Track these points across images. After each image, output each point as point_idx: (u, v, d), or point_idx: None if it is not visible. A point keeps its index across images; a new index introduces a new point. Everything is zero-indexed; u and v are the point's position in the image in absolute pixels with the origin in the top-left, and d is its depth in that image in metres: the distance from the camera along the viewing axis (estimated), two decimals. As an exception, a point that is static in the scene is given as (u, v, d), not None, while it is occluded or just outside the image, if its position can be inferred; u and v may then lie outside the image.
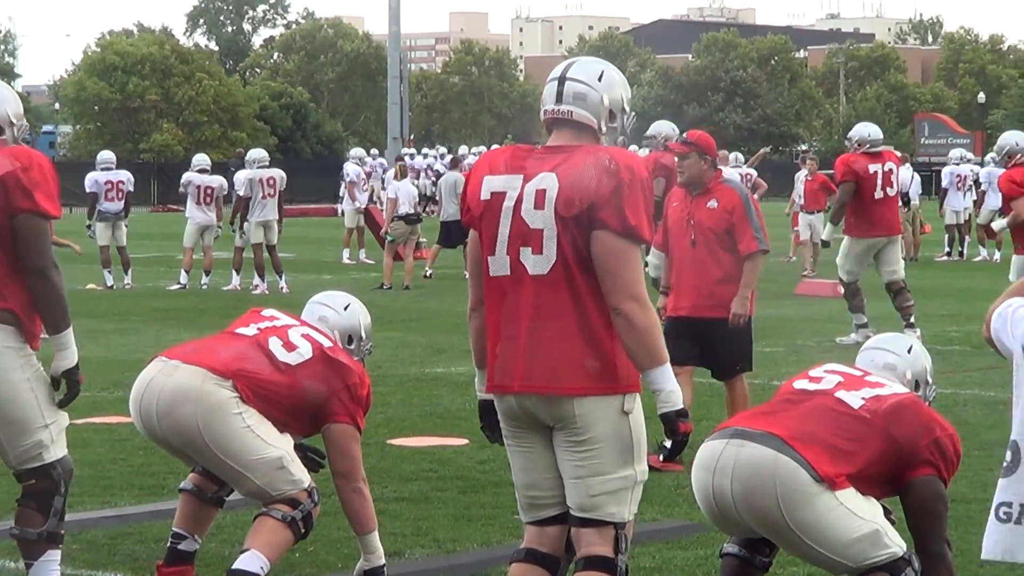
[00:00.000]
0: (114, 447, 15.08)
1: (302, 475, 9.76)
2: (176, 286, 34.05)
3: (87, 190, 34.29)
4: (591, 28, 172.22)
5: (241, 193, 32.95)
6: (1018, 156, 19.13)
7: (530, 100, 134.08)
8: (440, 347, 23.46)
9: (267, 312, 10.37)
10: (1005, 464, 5.53)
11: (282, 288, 31.66)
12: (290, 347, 9.87)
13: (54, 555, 9.59)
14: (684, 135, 15.38)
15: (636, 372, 7.93)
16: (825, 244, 22.80)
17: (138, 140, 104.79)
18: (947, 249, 44.03)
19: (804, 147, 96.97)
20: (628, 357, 7.90)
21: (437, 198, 36.03)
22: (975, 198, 44.13)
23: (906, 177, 45.06)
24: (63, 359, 9.33)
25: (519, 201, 8.00)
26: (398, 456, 15.13)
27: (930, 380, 9.25)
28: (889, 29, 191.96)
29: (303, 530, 9.69)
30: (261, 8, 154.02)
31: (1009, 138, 20.39)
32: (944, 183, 44.99)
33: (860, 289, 23.23)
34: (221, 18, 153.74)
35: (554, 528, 8.28)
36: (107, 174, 34.28)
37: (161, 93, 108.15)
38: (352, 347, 10.20)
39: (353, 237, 42.58)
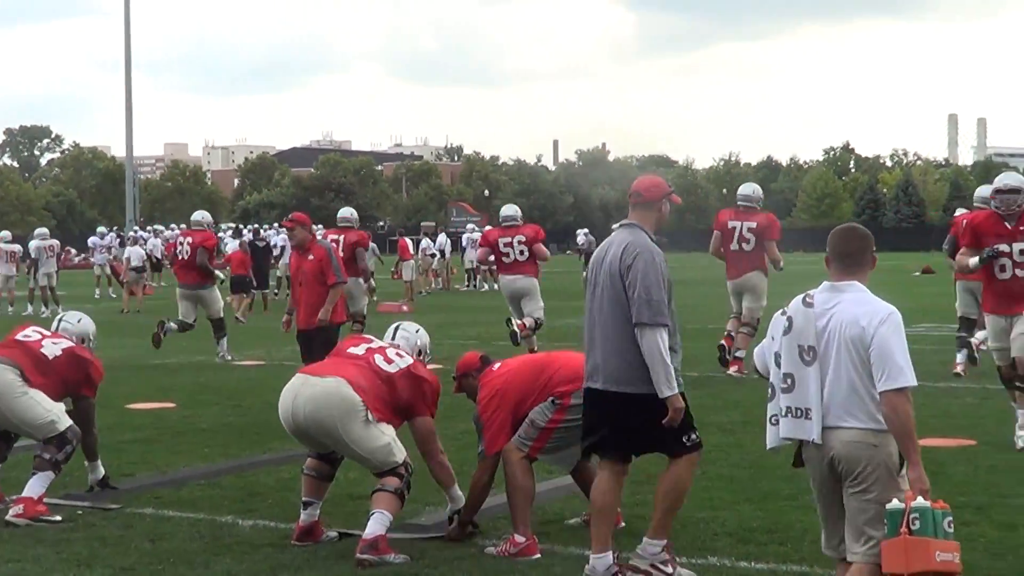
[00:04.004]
0: None
1: (402, 453, 8.45)
2: (-8, 313, 32.76)
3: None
4: (251, 152, 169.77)
5: (33, 255, 33.51)
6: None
7: (214, 197, 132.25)
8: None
9: (367, 336, 9.18)
10: (784, 386, 6.11)
11: (57, 312, 30.69)
12: (389, 361, 8.68)
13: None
14: (292, 215, 15.35)
15: None
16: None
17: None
18: (467, 284, 44.69)
19: (381, 223, 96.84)
20: None
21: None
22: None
23: (443, 240, 45.97)
24: None
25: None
26: (133, 415, 14.84)
27: None
28: (431, 152, 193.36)
29: (407, 494, 8.52)
30: (46, 141, 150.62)
31: None
32: (464, 243, 45.89)
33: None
34: (20, 147, 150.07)
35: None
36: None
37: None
38: (422, 357, 9.09)
39: (102, 280, 42.15)
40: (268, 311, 32.64)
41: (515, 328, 18.51)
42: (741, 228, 17.36)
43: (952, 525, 5.86)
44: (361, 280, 19.73)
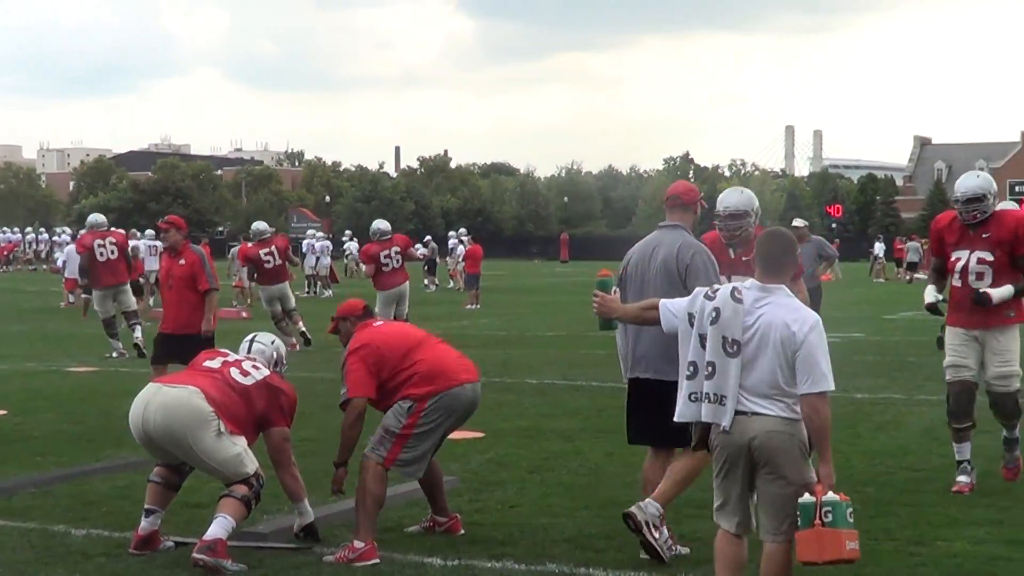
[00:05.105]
0: None
1: (253, 464, 8.46)
2: None
3: None
4: (88, 155, 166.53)
5: None
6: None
7: (49, 200, 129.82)
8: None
9: (223, 350, 9.09)
10: (706, 372, 6.48)
11: None
12: (245, 374, 8.69)
13: None
14: (167, 217, 15.07)
15: None
16: None
17: None
18: (307, 290, 44.49)
19: (221, 229, 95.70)
20: None
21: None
22: (318, 257, 45.13)
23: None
24: None
25: None
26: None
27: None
28: (272, 157, 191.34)
29: (255, 504, 8.50)
30: None
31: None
32: (304, 249, 45.53)
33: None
34: None
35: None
36: None
37: None
38: (278, 368, 9.08)
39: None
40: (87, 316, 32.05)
41: None
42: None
43: (852, 516, 6.32)
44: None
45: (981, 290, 10.14)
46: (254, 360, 8.98)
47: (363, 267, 25.05)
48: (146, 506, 8.66)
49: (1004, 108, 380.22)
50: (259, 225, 24.20)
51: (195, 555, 8.05)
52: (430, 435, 8.67)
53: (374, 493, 8.50)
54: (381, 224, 23.10)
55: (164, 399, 8.41)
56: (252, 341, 9.26)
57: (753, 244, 9.81)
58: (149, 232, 40.71)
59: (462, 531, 9.06)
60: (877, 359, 19.91)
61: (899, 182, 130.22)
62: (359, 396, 8.59)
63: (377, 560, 8.29)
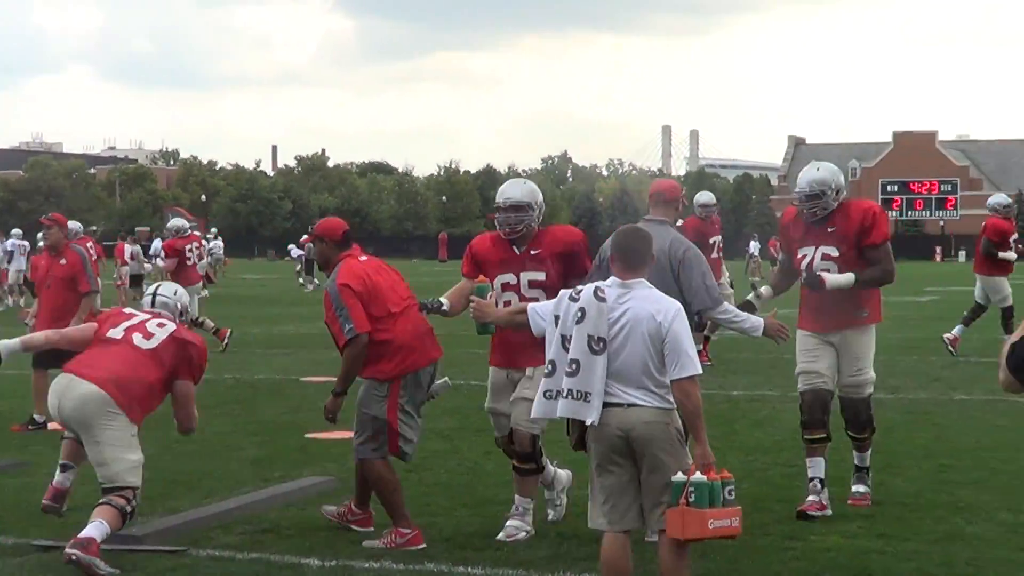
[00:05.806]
0: None
1: (139, 480, 8.29)
2: None
3: None
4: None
5: None
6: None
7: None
8: None
9: (127, 311, 8.87)
10: (569, 370, 6.60)
11: None
12: (148, 336, 8.51)
13: None
14: (51, 215, 14.62)
15: None
16: None
17: None
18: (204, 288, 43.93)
19: (94, 228, 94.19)
20: None
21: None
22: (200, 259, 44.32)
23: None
24: None
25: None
26: None
27: None
28: (147, 155, 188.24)
29: (129, 519, 8.32)
30: None
31: None
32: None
33: None
34: None
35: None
36: None
37: None
38: (183, 318, 8.95)
39: None
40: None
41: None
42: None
43: (733, 493, 6.53)
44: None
45: (814, 272, 9.59)
46: (158, 314, 8.85)
47: (163, 262, 25.80)
48: (61, 462, 8.73)
49: (876, 109, 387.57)
50: (75, 224, 24.19)
51: (68, 550, 7.92)
52: (411, 407, 8.81)
53: (389, 480, 8.76)
54: (180, 221, 25.04)
55: (77, 393, 8.32)
56: (155, 295, 9.06)
57: (538, 239, 9.06)
58: (16, 232, 40.06)
59: (372, 528, 9.05)
60: (753, 356, 20.12)
61: (774, 181, 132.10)
62: (367, 331, 8.61)
63: (423, 545, 8.56)
